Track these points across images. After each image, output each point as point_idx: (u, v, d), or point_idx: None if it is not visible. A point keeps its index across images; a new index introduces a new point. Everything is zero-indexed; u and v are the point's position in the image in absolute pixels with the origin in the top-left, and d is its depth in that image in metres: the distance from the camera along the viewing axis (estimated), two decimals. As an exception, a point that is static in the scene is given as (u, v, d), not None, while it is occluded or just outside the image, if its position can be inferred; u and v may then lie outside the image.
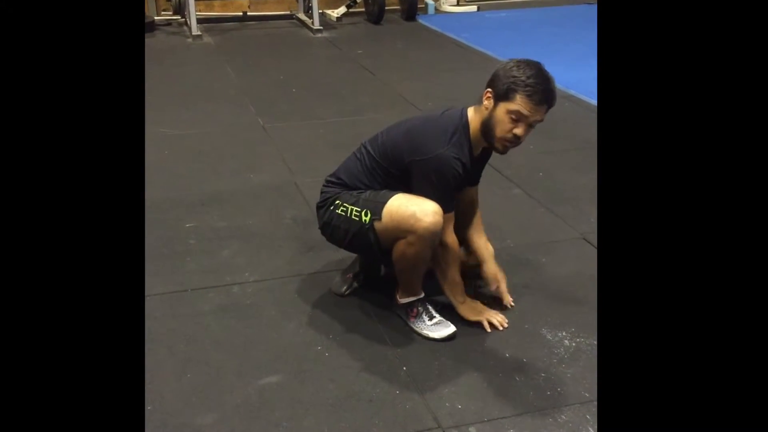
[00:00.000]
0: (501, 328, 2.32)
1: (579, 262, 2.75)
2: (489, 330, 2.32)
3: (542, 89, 2.08)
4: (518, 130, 2.12)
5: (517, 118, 2.10)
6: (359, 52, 6.11)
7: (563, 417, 1.95)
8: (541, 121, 2.14)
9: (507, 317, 2.38)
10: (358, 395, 2.04)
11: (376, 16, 7.09)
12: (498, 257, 2.78)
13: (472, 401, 2.01)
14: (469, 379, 2.10)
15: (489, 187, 3.42)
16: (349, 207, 2.25)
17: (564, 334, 2.30)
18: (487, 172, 3.58)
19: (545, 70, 2.13)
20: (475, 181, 2.47)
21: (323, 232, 2.40)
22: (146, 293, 2.53)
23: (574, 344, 2.25)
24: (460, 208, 2.37)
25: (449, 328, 2.28)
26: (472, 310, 2.36)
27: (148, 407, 2.00)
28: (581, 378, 2.10)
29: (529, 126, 2.13)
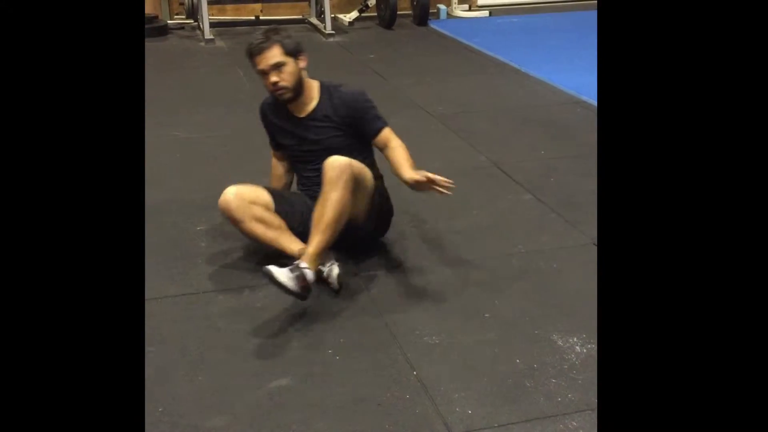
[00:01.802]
0: (444, 189, 2.45)
1: (590, 267, 2.74)
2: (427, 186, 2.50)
3: (254, 45, 2.57)
4: (268, 81, 2.61)
5: (260, 73, 2.63)
6: (371, 56, 6.12)
7: (573, 423, 1.94)
8: (278, 63, 2.57)
9: (517, 324, 2.38)
10: (368, 399, 2.05)
11: (388, 20, 7.10)
12: (509, 262, 2.78)
13: (482, 406, 2.01)
14: (479, 385, 2.10)
15: (500, 193, 3.43)
16: None
17: (575, 340, 2.29)
18: (497, 177, 3.60)
19: (267, 30, 2.62)
20: (352, 132, 2.75)
21: None
22: (158, 296, 2.54)
23: (585, 350, 2.24)
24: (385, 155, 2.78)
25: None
26: None
27: (159, 409, 2.01)
28: (592, 384, 2.09)
29: (273, 72, 2.58)
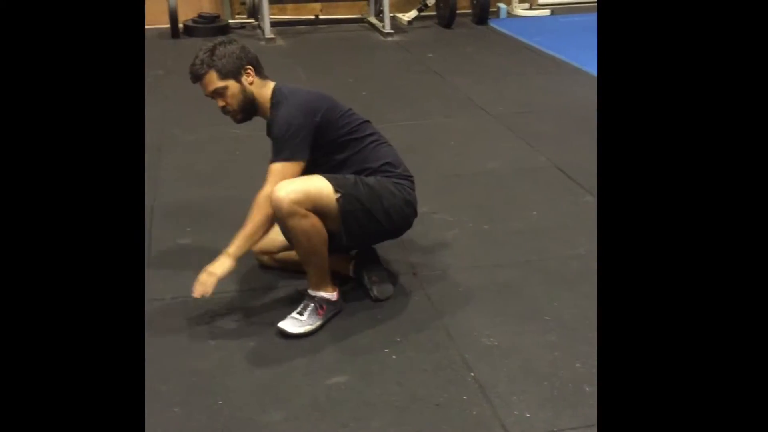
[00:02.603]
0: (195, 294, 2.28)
1: (653, 272, 2.67)
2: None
3: (191, 72, 2.37)
4: (218, 105, 2.41)
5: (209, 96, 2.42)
6: (429, 55, 6.10)
7: (636, 430, 1.90)
8: (215, 90, 2.35)
9: (578, 327, 2.34)
10: (425, 399, 2.03)
11: (447, 19, 7.06)
12: (569, 264, 2.73)
13: (541, 410, 1.98)
14: (538, 388, 2.07)
15: (560, 194, 3.37)
16: None
17: (637, 345, 2.24)
18: (557, 178, 3.54)
19: (205, 49, 2.36)
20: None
21: None
22: (219, 291, 2.57)
23: (647, 356, 2.19)
24: None
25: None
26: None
27: (218, 402, 2.04)
28: (655, 391, 2.04)
29: (217, 98, 2.38)
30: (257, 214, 2.27)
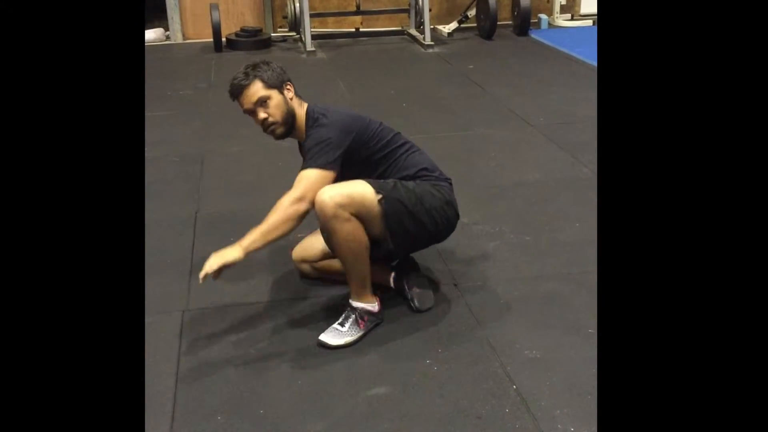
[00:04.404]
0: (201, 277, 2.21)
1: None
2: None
3: (235, 85, 2.40)
4: (256, 119, 2.42)
5: (247, 113, 2.45)
6: (470, 67, 6.09)
7: (683, 447, 1.85)
8: (261, 98, 2.37)
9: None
10: (467, 411, 2.02)
11: (487, 31, 7.05)
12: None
13: (585, 425, 1.95)
14: (582, 403, 2.03)
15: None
16: None
17: (684, 360, 2.19)
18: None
19: (246, 66, 2.42)
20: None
21: None
22: (261, 300, 2.60)
23: (695, 371, 2.14)
24: None
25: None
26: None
27: (260, 411, 2.05)
28: (703, 407, 1.99)
29: (259, 109, 2.39)
30: (277, 215, 2.26)
